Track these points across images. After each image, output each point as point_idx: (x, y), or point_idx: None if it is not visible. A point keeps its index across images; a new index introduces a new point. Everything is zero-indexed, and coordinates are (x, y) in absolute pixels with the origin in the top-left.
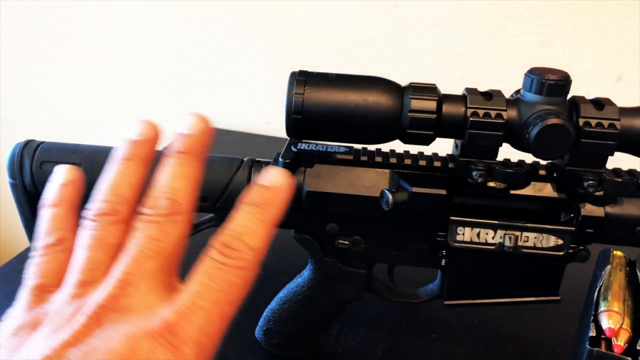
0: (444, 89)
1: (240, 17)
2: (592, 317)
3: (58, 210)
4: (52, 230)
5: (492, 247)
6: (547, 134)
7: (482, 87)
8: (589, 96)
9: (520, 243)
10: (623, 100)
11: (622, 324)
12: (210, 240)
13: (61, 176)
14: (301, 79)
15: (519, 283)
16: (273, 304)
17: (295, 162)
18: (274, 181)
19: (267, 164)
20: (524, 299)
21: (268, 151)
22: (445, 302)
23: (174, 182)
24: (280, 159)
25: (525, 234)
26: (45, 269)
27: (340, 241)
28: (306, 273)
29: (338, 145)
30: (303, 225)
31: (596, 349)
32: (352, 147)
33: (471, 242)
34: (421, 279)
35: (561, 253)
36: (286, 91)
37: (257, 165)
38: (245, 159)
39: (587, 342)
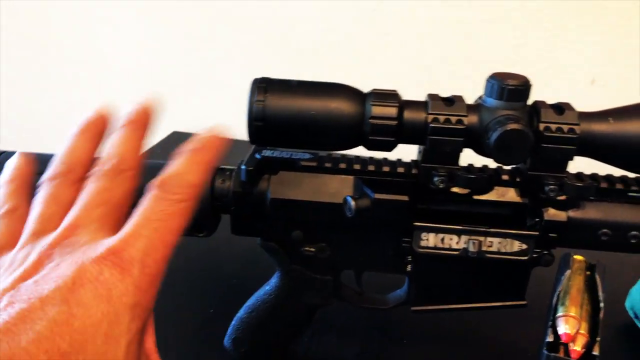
0: (421, 93)
1: (221, 23)
2: (550, 322)
3: (11, 186)
4: (5, 201)
5: (457, 253)
6: (506, 139)
7: (458, 91)
8: (564, 99)
9: (484, 248)
10: (597, 103)
11: (579, 328)
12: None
13: (14, 160)
14: (262, 85)
15: (486, 288)
16: (241, 313)
17: (258, 169)
18: (208, 133)
19: (231, 171)
20: (490, 304)
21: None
22: (412, 308)
23: (120, 144)
24: (242, 166)
25: (489, 239)
26: None
27: (306, 248)
28: (273, 281)
29: (303, 152)
30: (268, 233)
31: (553, 354)
32: (317, 153)
33: (435, 248)
34: (391, 284)
35: (525, 258)
36: (248, 98)
37: (220, 173)
38: None
39: (545, 348)
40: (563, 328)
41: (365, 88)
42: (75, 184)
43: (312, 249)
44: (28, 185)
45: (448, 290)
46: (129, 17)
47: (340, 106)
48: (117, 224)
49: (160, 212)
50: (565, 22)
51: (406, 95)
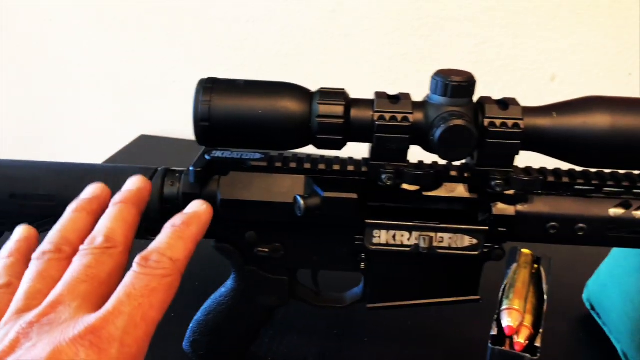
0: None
1: (184, 25)
2: (495, 316)
3: (9, 260)
4: (2, 275)
5: (408, 249)
6: (450, 135)
7: (419, 89)
8: (524, 96)
9: (435, 244)
10: (558, 99)
11: (523, 321)
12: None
13: (18, 233)
14: (208, 86)
15: (439, 284)
16: (198, 315)
17: (207, 171)
18: (193, 207)
19: (181, 173)
20: (445, 300)
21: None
22: (368, 306)
23: (110, 223)
24: (191, 168)
25: (439, 234)
26: None
27: (260, 249)
28: (229, 282)
29: (254, 152)
30: (222, 235)
31: (497, 347)
32: (268, 153)
33: (387, 245)
34: (349, 282)
35: (476, 252)
36: (193, 99)
37: (170, 175)
38: (159, 169)
39: (490, 341)
40: (506, 321)
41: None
42: (64, 261)
43: (266, 250)
44: (26, 261)
45: (402, 286)
46: (90, 20)
47: (287, 105)
48: (102, 301)
49: (143, 288)
50: (524, 20)
51: (368, 95)
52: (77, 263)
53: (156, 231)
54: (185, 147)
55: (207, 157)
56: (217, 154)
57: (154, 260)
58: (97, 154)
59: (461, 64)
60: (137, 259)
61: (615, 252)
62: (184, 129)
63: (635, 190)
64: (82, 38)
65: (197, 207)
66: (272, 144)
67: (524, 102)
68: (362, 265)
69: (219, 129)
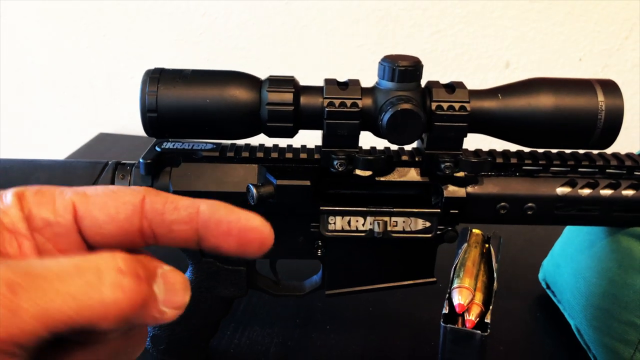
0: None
1: (132, 19)
2: (447, 295)
3: None
4: None
5: (363, 234)
6: (397, 120)
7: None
8: (480, 84)
9: (389, 228)
10: None
11: (474, 299)
12: None
13: None
14: (155, 76)
15: (395, 268)
16: None
17: (158, 162)
18: None
19: (132, 166)
20: (402, 283)
21: None
22: (326, 292)
23: None
24: (141, 160)
25: (393, 218)
26: None
27: None
28: (186, 275)
29: (205, 142)
30: None
31: (449, 325)
32: (220, 143)
33: (343, 231)
34: (308, 270)
35: (430, 235)
36: (139, 90)
37: (121, 168)
38: (110, 162)
39: (442, 320)
40: (457, 299)
41: None
42: None
43: None
44: None
45: (360, 272)
46: (45, 16)
47: (236, 94)
48: None
49: None
50: (478, 8)
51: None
52: None
53: None
54: (145, 143)
55: (157, 148)
56: (168, 145)
57: None
58: (56, 153)
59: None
60: None
61: (568, 231)
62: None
63: (580, 169)
64: (36, 34)
65: None
66: (221, 133)
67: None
68: (319, 253)
69: (166, 120)
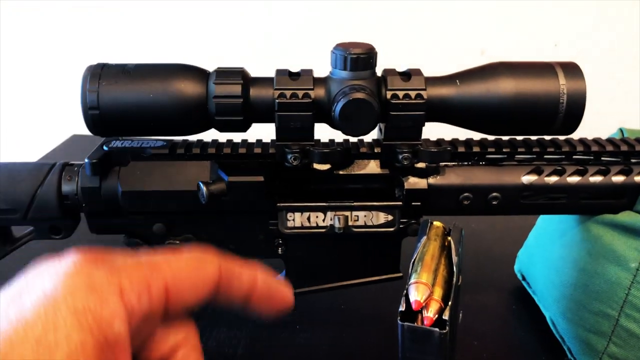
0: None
1: (102, 18)
2: (404, 291)
3: None
4: None
5: (324, 230)
6: (350, 110)
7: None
8: (454, 71)
9: (350, 223)
10: None
11: (432, 294)
12: None
13: None
14: (97, 72)
15: (359, 264)
16: None
17: (105, 162)
18: None
19: (79, 167)
20: (367, 279)
21: None
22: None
23: None
24: (86, 160)
25: (354, 213)
26: None
27: (170, 241)
28: None
29: (155, 140)
30: (129, 229)
31: (406, 323)
32: (171, 140)
33: (302, 227)
34: (273, 270)
35: (392, 229)
36: (80, 86)
37: (68, 169)
38: (57, 163)
39: (398, 318)
40: (413, 295)
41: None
42: None
43: (177, 242)
44: None
45: (324, 269)
46: (12, 16)
47: (181, 87)
48: None
49: None
50: None
51: None
52: None
53: (59, 230)
54: None
55: (105, 147)
56: (116, 144)
57: None
58: (27, 156)
59: (392, 42)
60: None
61: (541, 220)
62: None
63: (546, 156)
64: (6, 34)
65: None
66: (169, 129)
67: None
68: (280, 251)
69: (109, 117)
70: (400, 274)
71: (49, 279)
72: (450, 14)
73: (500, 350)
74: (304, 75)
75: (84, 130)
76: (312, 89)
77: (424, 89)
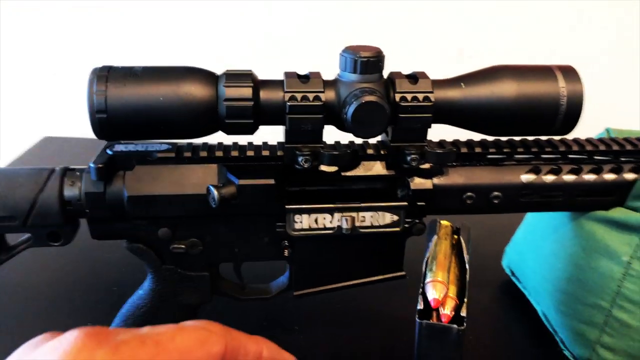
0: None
1: (59, 20)
2: (420, 290)
3: None
4: None
5: (331, 231)
6: (362, 112)
7: (334, 70)
8: (434, 71)
9: (357, 224)
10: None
11: (448, 292)
12: None
13: None
14: (103, 74)
15: (364, 264)
16: (116, 322)
17: (111, 166)
18: None
19: (81, 171)
20: (371, 279)
21: None
22: (295, 293)
23: None
24: (91, 165)
25: (361, 214)
26: None
27: (176, 246)
28: (147, 284)
29: (160, 143)
30: (133, 234)
31: (425, 321)
32: (176, 143)
33: (310, 229)
34: (274, 272)
35: (398, 229)
36: (87, 89)
37: (70, 174)
38: (57, 168)
39: (417, 316)
40: (431, 294)
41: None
42: None
43: (183, 246)
44: None
45: (328, 270)
46: None
47: (191, 90)
48: None
49: None
50: None
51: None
52: None
53: (59, 237)
54: (93, 146)
55: (108, 152)
56: (120, 147)
57: None
58: None
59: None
60: None
61: (530, 217)
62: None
63: (543, 155)
64: None
65: None
66: (177, 132)
67: (435, 77)
68: (286, 253)
69: (117, 120)
70: (404, 273)
71: (49, 357)
72: (428, 15)
73: (493, 343)
74: (314, 77)
75: (56, 132)
76: (323, 92)
77: (432, 92)
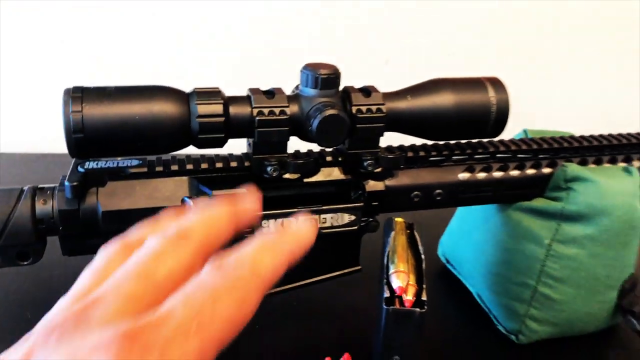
0: (233, 87)
1: (15, 31)
2: (384, 280)
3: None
4: None
5: None
6: (326, 125)
7: (272, 81)
8: (363, 81)
9: (319, 225)
10: (392, 81)
11: (409, 280)
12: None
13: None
14: (77, 95)
15: (324, 261)
16: None
17: (84, 184)
18: (296, 224)
19: (53, 189)
20: (330, 275)
21: (59, 171)
22: None
23: (194, 217)
24: (66, 183)
25: (322, 216)
26: None
27: None
28: None
29: (130, 159)
30: None
31: (391, 307)
32: (146, 158)
33: None
34: None
35: (356, 227)
36: (62, 111)
37: (40, 193)
38: (26, 188)
39: (383, 303)
40: (396, 283)
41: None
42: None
43: None
44: None
45: (292, 269)
46: None
47: (165, 108)
48: (154, 307)
49: (207, 295)
50: (357, 7)
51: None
52: (134, 257)
53: (28, 255)
54: (49, 162)
55: (80, 169)
56: (92, 164)
57: (229, 265)
58: None
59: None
60: (207, 264)
61: (461, 210)
62: (42, 142)
63: (476, 156)
64: None
65: (301, 225)
66: (153, 149)
67: (367, 84)
68: None
69: (95, 140)
70: (360, 267)
71: None
72: (356, 27)
73: (434, 325)
74: (278, 93)
75: (10, 148)
76: (288, 106)
77: (383, 104)
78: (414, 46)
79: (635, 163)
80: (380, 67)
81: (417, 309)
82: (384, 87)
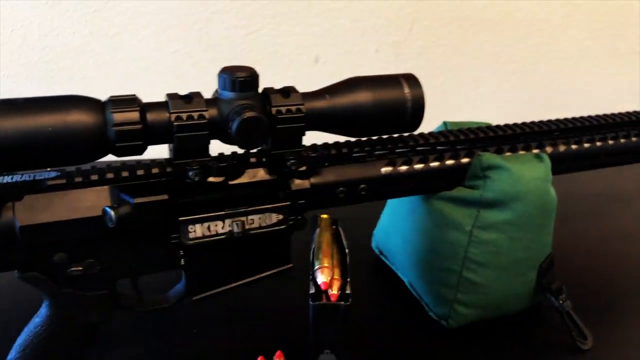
0: (160, 91)
1: None
2: (310, 276)
3: None
4: None
5: (224, 236)
6: (245, 127)
7: (201, 83)
8: (293, 79)
9: (247, 226)
10: (322, 78)
11: (334, 275)
12: None
13: None
14: None
15: (255, 262)
16: (12, 355)
17: None
18: None
19: None
20: (263, 274)
21: None
22: (193, 298)
23: None
24: None
25: (250, 217)
26: None
27: (73, 269)
28: (43, 311)
29: (47, 171)
30: (26, 263)
31: (317, 302)
32: (64, 169)
33: (204, 237)
34: (170, 280)
35: (284, 226)
36: None
37: None
38: None
39: (309, 299)
40: (320, 278)
41: (107, 91)
42: None
43: (80, 268)
44: None
45: (223, 272)
46: None
47: (79, 118)
48: None
49: None
50: (284, 8)
51: (145, 95)
52: None
53: None
54: None
55: None
56: (6, 179)
57: None
58: None
59: (234, 56)
60: None
61: (390, 203)
62: None
63: (397, 150)
64: None
65: None
66: (68, 159)
67: (294, 84)
68: (182, 262)
69: (5, 154)
70: (291, 265)
71: None
72: (285, 26)
73: (368, 315)
74: (196, 97)
75: None
76: (206, 110)
77: (302, 104)
78: (341, 42)
79: (548, 149)
80: (310, 66)
81: (342, 302)
82: (316, 86)
